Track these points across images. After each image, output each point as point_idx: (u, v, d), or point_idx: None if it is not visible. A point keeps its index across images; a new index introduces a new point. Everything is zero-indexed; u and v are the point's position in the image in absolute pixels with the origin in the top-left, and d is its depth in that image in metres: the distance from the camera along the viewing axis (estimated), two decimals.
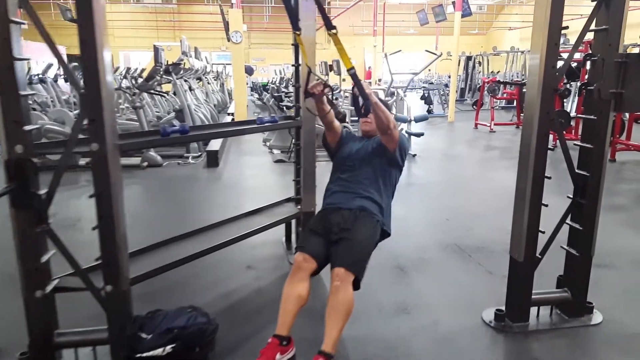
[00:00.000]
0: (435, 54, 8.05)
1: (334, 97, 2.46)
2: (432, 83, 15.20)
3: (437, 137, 9.42)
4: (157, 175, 5.77)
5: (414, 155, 6.92)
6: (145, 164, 6.01)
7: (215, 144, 6.42)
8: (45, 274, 1.98)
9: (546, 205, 2.18)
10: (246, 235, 2.75)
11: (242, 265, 3.10)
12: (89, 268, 2.07)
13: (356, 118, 2.67)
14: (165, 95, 6.59)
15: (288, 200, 3.28)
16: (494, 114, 9.76)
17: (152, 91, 6.20)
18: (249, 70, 11.85)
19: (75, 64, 16.84)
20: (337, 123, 2.42)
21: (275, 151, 7.03)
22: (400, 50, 8.53)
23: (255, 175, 5.93)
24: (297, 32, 2.21)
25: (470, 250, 3.32)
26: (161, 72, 6.06)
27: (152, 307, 2.13)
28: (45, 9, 17.03)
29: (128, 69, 10.55)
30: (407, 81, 9.98)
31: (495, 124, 9.48)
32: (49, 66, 10.75)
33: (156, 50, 5.99)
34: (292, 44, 2.94)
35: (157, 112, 7.91)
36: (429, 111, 12.75)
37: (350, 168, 2.33)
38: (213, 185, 5.48)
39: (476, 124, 10.06)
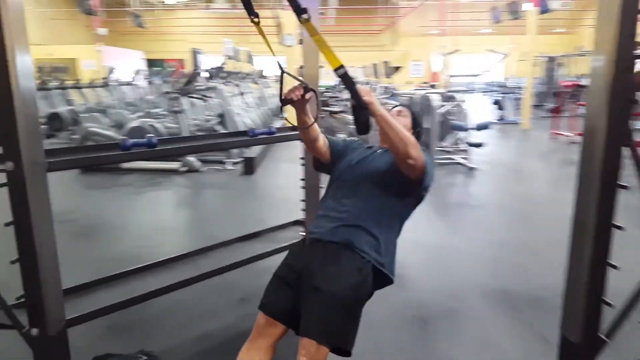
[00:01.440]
0: (500, 54, 7.15)
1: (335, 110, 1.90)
2: (504, 86, 13.94)
3: (504, 147, 8.46)
4: (192, 181, 5.56)
5: (472, 169, 6.15)
6: (185, 168, 5.84)
7: (253, 150, 6.10)
8: None
9: (615, 267, 1.51)
10: (232, 265, 2.31)
11: (236, 297, 2.67)
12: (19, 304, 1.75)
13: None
14: (205, 99, 6.39)
15: (295, 223, 2.80)
16: (575, 123, 8.59)
17: (191, 95, 6.02)
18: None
19: (158, 68, 17.74)
20: (322, 140, 1.86)
21: None
22: (458, 50, 7.71)
23: (289, 186, 5.46)
24: (255, 19, 1.63)
25: (521, 301, 2.62)
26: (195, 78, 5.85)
27: (119, 342, 1.79)
28: (122, 16, 17.97)
29: (136, 72, 10.70)
30: (469, 84, 9.07)
31: (577, 134, 8.31)
32: (138, 71, 11.31)
33: (194, 54, 5.79)
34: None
35: (207, 115, 7.79)
36: (501, 118, 11.66)
37: (343, 186, 1.72)
38: (243, 194, 5.14)
39: (554, 134, 8.93)
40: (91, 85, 10.93)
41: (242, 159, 6.01)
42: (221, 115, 6.42)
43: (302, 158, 2.58)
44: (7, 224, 1.54)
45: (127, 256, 3.15)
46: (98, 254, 3.26)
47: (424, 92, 7.39)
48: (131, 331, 2.32)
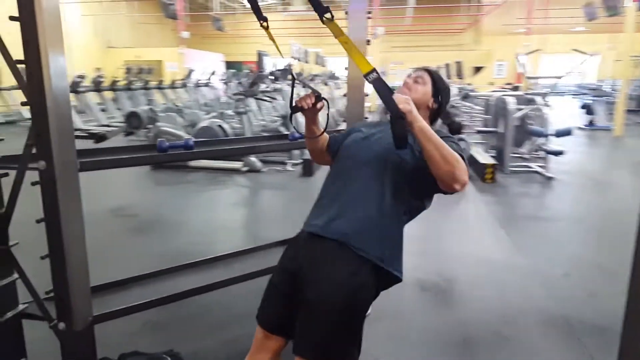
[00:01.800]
0: (586, 54, 6.49)
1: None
2: (598, 89, 12.73)
3: (590, 156, 7.70)
4: (252, 181, 5.65)
5: (550, 179, 5.63)
6: (246, 168, 5.96)
7: None
8: (7, 299, 1.78)
9: None
10: (251, 275, 2.25)
11: None
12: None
13: None
14: (271, 100, 6.47)
15: None
16: None
17: (257, 97, 6.12)
18: None
19: (233, 70, 18.52)
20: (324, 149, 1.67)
21: None
22: (538, 50, 7.10)
23: None
24: (264, 24, 1.52)
25: (584, 330, 2.31)
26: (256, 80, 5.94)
27: (151, 339, 1.82)
28: (204, 20, 18.91)
29: (211, 74, 10.99)
30: (555, 86, 8.34)
31: None
32: (213, 72, 11.88)
33: (259, 56, 5.88)
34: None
35: (273, 116, 7.92)
36: (590, 123, 10.65)
37: (346, 169, 1.48)
38: (299, 196, 5.11)
39: None
40: (172, 86, 11.59)
41: (302, 160, 6.00)
42: (284, 117, 6.48)
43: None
44: (38, 221, 1.60)
45: (177, 253, 3.24)
46: (149, 249, 3.38)
47: (500, 94, 6.93)
48: (165, 329, 2.35)
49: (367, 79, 1.31)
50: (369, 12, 2.32)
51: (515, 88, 10.83)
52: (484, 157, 5.93)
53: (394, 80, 21.49)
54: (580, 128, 10.22)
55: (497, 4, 17.38)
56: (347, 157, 1.53)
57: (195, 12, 19.75)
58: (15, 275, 1.75)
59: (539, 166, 6.00)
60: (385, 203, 1.39)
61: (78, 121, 9.36)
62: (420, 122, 1.28)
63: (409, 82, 1.59)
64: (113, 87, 10.85)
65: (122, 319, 1.88)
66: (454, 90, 9.37)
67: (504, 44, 21.22)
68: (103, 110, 10.60)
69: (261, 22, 1.53)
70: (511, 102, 6.00)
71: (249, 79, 6.71)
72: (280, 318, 1.42)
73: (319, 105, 1.47)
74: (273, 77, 6.29)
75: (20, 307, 1.80)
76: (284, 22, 22.71)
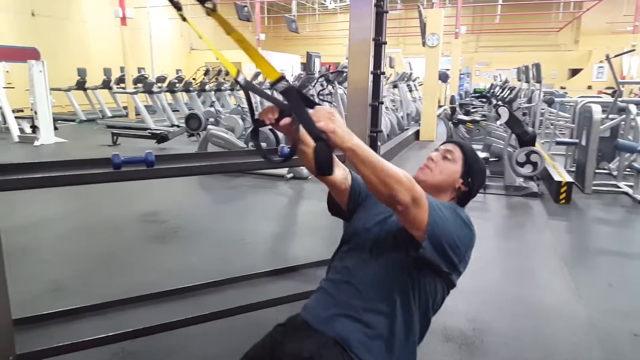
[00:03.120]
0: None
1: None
2: None
3: None
4: (294, 189, 5.39)
5: None
6: (290, 175, 5.73)
7: None
8: None
9: None
10: (240, 309, 1.98)
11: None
12: None
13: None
14: (320, 104, 6.15)
15: None
16: None
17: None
18: (444, 77, 10.55)
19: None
20: (338, 174, 1.39)
21: None
22: (632, 50, 6.02)
23: None
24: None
25: None
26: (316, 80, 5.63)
27: None
28: (281, 22, 19.14)
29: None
30: None
31: None
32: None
33: (309, 57, 5.59)
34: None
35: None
36: None
37: (355, 252, 1.29)
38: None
39: None
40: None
41: None
42: None
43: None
44: None
45: (185, 270, 3.03)
46: (159, 263, 3.21)
47: (585, 101, 6.00)
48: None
49: (275, 89, 0.99)
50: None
51: (616, 93, 9.46)
52: (560, 174, 5.13)
53: (478, 81, 20.22)
54: None
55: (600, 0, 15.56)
56: (355, 236, 1.33)
57: (275, 14, 20.09)
58: None
59: (628, 186, 5.07)
60: (397, 299, 1.20)
61: (149, 121, 9.79)
62: (351, 140, 0.99)
63: (435, 157, 1.37)
64: (187, 88, 11.24)
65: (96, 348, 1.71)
66: (535, 95, 8.40)
67: (607, 44, 18.98)
68: (175, 110, 11.02)
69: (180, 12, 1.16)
70: (597, 111, 5.12)
71: (297, 82, 6.46)
72: None
73: (281, 122, 1.09)
74: (324, 80, 5.98)
75: None
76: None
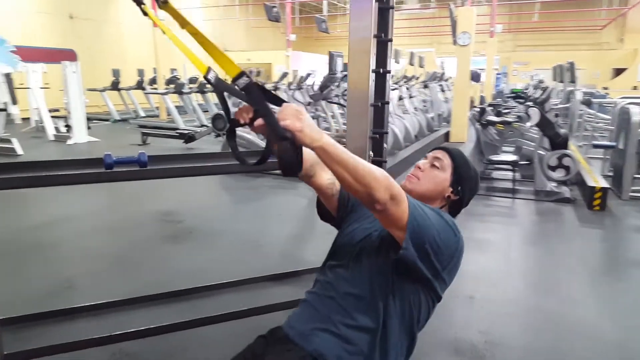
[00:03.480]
0: None
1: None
2: None
3: None
4: (312, 190, 5.20)
5: None
6: None
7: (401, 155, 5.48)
8: None
9: None
10: (243, 313, 1.92)
11: None
12: None
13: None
14: (344, 104, 6.06)
15: None
16: None
17: (330, 100, 5.77)
18: (476, 77, 10.21)
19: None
20: (325, 177, 1.33)
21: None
22: None
23: None
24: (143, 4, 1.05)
25: None
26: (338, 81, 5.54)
27: None
28: (312, 23, 19.12)
29: (301, 77, 10.66)
30: None
31: None
32: (308, 75, 11.86)
33: (331, 57, 5.50)
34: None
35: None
36: None
37: (339, 267, 1.24)
38: None
39: None
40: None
41: None
42: None
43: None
44: None
45: (195, 272, 3.01)
46: (168, 263, 3.20)
47: (625, 102, 5.65)
48: None
49: (236, 86, 0.94)
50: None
51: None
52: (594, 178, 4.84)
53: (515, 81, 19.56)
54: None
55: None
56: (341, 248, 1.28)
57: (306, 15, 20.11)
58: None
59: None
60: (381, 309, 1.14)
61: (179, 121, 9.95)
62: (321, 140, 0.94)
63: (423, 165, 1.31)
64: None
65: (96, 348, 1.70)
66: (573, 95, 8.00)
67: None
68: (205, 111, 11.16)
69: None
70: (636, 112, 4.81)
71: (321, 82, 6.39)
72: None
73: (256, 122, 1.01)
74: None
75: None
76: (398, 21, 22.06)
